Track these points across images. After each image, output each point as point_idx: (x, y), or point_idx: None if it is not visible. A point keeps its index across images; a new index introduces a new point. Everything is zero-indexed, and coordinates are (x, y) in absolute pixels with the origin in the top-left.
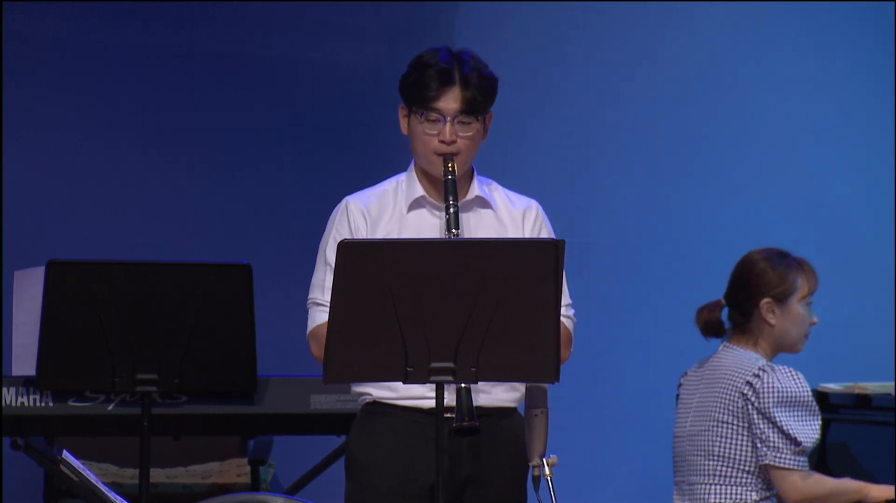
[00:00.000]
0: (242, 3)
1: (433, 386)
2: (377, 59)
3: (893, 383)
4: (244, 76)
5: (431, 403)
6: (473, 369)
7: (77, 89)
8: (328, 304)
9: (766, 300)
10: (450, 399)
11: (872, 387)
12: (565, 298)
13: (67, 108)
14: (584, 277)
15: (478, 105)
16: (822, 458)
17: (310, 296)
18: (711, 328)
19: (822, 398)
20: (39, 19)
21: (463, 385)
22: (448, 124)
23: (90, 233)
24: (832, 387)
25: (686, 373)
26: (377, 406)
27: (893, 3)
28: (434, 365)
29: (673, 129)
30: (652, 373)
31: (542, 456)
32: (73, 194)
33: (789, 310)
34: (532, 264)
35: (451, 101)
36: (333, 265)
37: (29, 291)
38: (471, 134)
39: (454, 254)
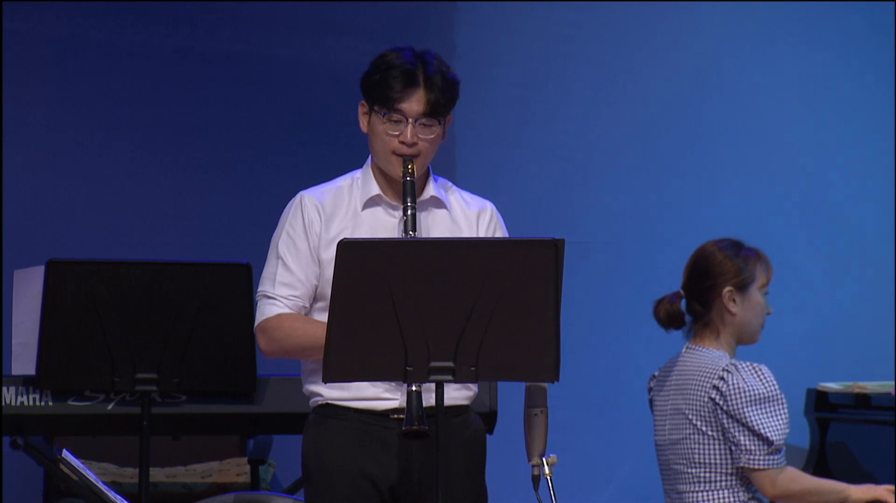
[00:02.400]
0: (242, 3)
1: (388, 386)
2: None
3: (893, 383)
4: (244, 75)
5: (384, 405)
6: (473, 368)
7: (77, 89)
8: (278, 297)
9: (727, 288)
10: (401, 401)
11: (872, 386)
12: None
13: (67, 108)
14: (584, 277)
15: (440, 108)
16: (823, 458)
17: (259, 288)
18: (673, 319)
19: (821, 397)
20: (39, 19)
21: (413, 388)
22: (410, 126)
23: (90, 233)
24: (832, 386)
25: (654, 376)
26: (329, 408)
27: (893, 3)
28: (434, 364)
29: (673, 128)
30: (652, 373)
31: (542, 455)
32: (73, 194)
33: (749, 299)
34: (531, 264)
35: (414, 103)
36: (285, 259)
37: (29, 291)
38: (432, 136)
39: (454, 253)
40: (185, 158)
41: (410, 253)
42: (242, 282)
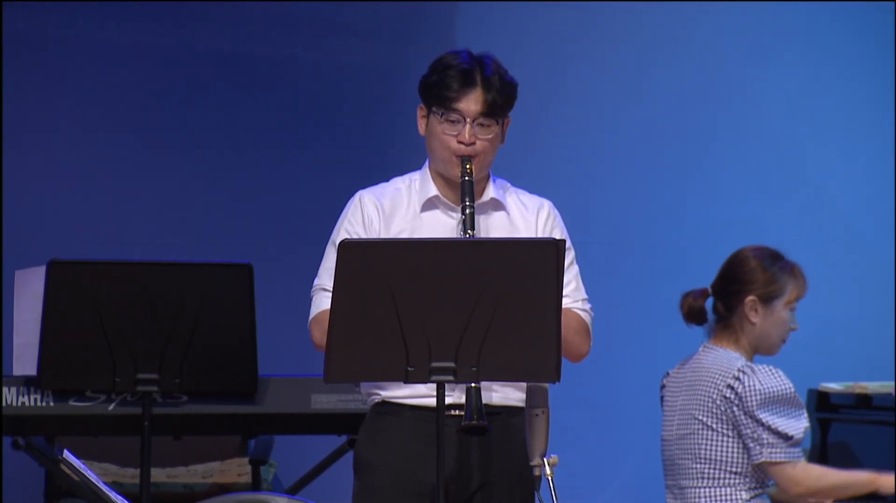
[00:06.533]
0: (242, 3)
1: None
2: (378, 58)
3: (893, 383)
4: (244, 75)
5: None
6: (474, 369)
7: (77, 89)
8: None
9: (751, 298)
10: (458, 397)
11: (873, 386)
12: (581, 293)
13: (68, 108)
14: (585, 277)
15: (498, 108)
16: (823, 458)
17: (316, 281)
18: (694, 315)
19: (822, 398)
20: (40, 19)
21: (473, 384)
22: (468, 126)
23: (90, 233)
24: (832, 387)
25: (668, 374)
26: (385, 405)
27: (893, 3)
28: (435, 364)
29: (673, 128)
30: (652, 373)
31: (543, 455)
32: (73, 194)
33: (773, 313)
34: (532, 264)
35: (472, 103)
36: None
37: (30, 291)
38: (489, 136)
39: (455, 253)
40: (185, 158)
41: (411, 253)
42: (243, 282)
